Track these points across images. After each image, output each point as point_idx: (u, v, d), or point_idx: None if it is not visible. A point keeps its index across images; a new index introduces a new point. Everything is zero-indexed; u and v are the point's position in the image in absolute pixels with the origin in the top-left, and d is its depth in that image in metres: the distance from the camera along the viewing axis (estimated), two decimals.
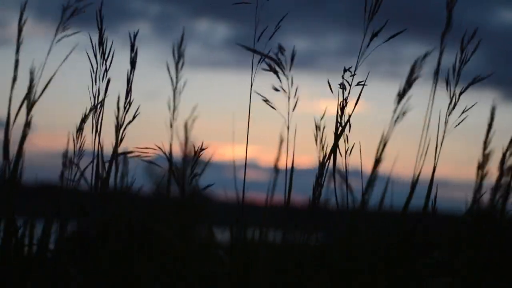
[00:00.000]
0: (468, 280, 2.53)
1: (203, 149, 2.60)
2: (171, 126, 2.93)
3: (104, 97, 2.45)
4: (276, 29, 2.33)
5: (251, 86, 2.35)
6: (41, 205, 2.63)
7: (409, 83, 2.88)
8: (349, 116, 2.35)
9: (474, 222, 2.58)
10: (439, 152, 2.40)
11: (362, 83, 2.35)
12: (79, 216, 2.58)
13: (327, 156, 2.43)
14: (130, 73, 2.49)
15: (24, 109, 2.73)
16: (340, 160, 2.42)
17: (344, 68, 2.33)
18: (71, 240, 2.57)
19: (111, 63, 2.47)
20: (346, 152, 2.43)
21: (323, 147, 2.50)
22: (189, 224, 2.49)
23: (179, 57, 2.97)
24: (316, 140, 2.39)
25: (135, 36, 2.39)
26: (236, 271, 2.43)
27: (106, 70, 2.45)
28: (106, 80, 2.44)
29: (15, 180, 2.66)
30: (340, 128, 2.35)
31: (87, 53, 2.45)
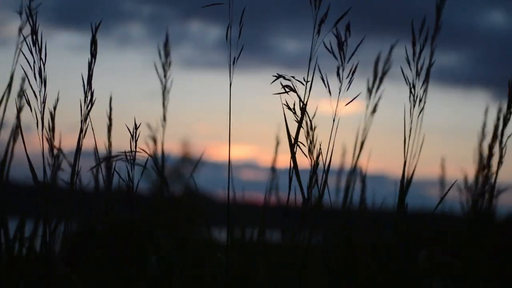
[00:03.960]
0: (466, 280, 2.52)
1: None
2: (162, 126, 2.91)
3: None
4: (241, 27, 2.29)
5: (230, 85, 2.32)
6: (33, 206, 2.61)
7: (376, 78, 2.88)
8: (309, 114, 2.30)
9: (472, 221, 2.57)
10: (407, 150, 2.38)
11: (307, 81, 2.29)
12: (76, 216, 2.56)
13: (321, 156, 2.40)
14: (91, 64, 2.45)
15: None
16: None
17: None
18: (68, 240, 2.55)
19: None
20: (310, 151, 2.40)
21: (315, 147, 2.48)
22: (185, 225, 2.47)
23: (166, 56, 2.96)
24: (307, 139, 2.36)
25: (96, 28, 2.35)
26: (234, 271, 2.41)
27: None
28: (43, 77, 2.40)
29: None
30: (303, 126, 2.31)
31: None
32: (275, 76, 2.21)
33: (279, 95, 2.16)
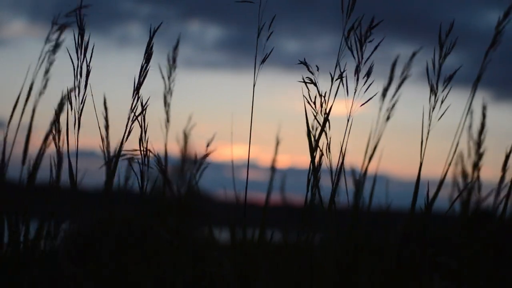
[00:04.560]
0: (468, 281, 2.53)
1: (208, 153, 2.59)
2: (165, 126, 2.93)
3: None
4: (270, 32, 2.32)
5: (254, 86, 2.33)
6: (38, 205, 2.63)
7: (391, 81, 2.88)
8: (328, 114, 2.32)
9: (472, 222, 2.58)
10: (425, 151, 2.40)
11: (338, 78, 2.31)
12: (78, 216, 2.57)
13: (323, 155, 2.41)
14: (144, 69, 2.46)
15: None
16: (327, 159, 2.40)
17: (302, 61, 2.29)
18: (70, 239, 2.57)
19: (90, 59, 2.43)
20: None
21: (319, 147, 2.49)
22: (186, 224, 2.48)
23: (173, 59, 2.98)
24: (310, 139, 2.38)
25: (155, 31, 2.36)
26: (236, 271, 2.43)
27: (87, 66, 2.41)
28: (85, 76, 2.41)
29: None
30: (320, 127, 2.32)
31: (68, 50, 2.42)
32: (300, 61, 2.23)
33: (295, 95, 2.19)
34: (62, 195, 2.58)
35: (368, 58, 2.24)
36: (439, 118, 2.34)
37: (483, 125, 2.96)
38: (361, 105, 2.22)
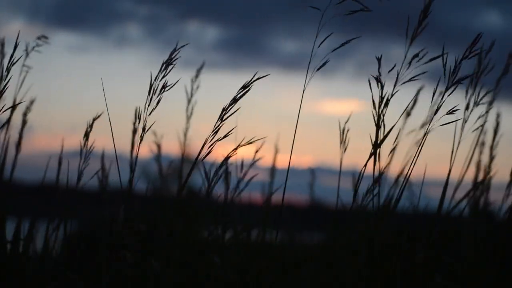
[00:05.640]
0: (467, 281, 2.53)
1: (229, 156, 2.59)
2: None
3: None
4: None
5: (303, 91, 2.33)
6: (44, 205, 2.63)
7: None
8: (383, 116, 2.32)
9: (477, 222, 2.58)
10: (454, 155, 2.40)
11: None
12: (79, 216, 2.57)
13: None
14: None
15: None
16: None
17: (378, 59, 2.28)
18: (70, 239, 2.56)
19: None
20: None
21: (345, 150, 2.51)
22: (187, 224, 2.47)
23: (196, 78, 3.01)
24: (341, 142, 2.39)
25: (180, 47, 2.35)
26: (235, 271, 2.42)
27: None
28: None
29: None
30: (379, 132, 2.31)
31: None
32: (377, 57, 2.22)
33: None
34: (63, 195, 2.58)
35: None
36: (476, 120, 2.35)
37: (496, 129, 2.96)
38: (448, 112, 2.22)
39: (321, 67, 2.29)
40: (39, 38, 2.89)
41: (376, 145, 2.32)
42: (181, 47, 2.34)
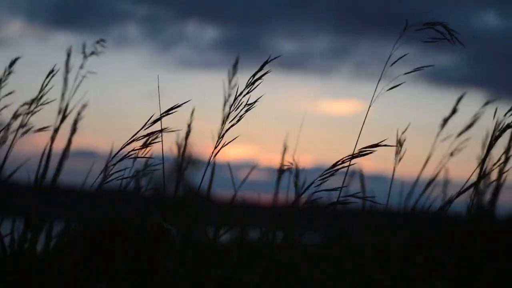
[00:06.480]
0: (464, 281, 2.53)
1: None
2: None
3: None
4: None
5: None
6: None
7: None
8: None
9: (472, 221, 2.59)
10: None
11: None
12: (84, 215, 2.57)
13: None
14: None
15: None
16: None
17: None
18: (74, 238, 2.56)
19: None
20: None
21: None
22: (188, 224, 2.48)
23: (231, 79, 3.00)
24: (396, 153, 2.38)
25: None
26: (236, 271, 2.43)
27: None
28: None
29: None
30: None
31: None
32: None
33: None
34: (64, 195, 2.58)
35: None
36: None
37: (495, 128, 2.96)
38: None
39: (394, 87, 2.22)
40: (97, 42, 2.88)
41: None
42: (274, 59, 2.21)
